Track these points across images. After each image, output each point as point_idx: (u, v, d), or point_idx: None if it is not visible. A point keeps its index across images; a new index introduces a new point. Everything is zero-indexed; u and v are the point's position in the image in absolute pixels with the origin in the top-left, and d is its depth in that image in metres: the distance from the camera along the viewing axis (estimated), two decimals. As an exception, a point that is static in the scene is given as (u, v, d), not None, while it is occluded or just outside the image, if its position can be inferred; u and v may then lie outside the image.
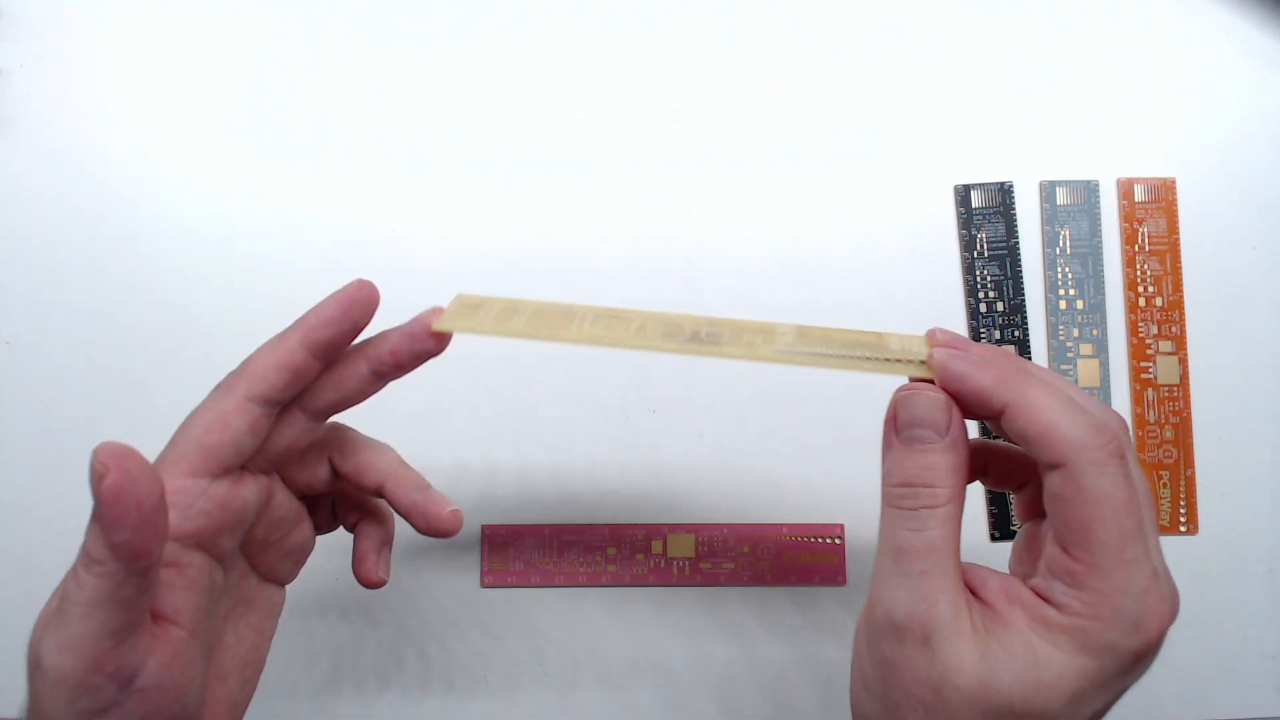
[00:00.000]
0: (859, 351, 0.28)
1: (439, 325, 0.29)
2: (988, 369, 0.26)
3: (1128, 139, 0.44)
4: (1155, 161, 0.44)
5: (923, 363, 0.28)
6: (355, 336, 0.29)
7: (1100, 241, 0.43)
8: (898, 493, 0.27)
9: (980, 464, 0.30)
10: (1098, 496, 0.24)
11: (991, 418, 0.27)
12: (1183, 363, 0.43)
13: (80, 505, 0.41)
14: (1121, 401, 0.43)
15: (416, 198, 0.43)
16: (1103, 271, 0.43)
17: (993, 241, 0.43)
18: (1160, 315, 0.43)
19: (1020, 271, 0.43)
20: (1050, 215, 0.43)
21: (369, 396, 0.30)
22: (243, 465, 0.29)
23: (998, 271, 0.43)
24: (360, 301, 0.29)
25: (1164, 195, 0.43)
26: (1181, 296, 0.43)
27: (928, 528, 0.26)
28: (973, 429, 0.28)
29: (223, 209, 0.43)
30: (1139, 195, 0.43)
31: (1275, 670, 0.41)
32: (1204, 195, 0.44)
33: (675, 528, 0.42)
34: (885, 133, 0.44)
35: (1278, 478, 0.42)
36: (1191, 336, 0.43)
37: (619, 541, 0.42)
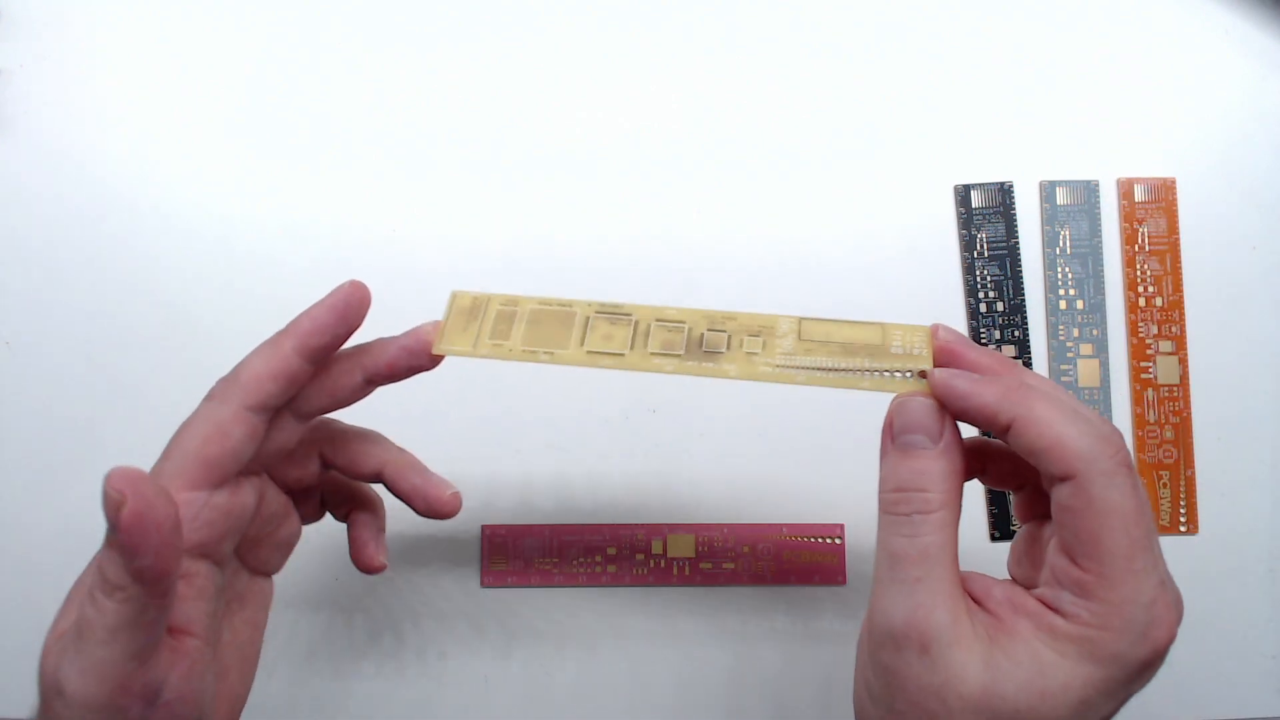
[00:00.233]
0: (859, 360, 0.28)
1: (439, 348, 0.29)
2: (990, 386, 0.26)
3: (1128, 139, 0.44)
4: (1155, 161, 0.44)
5: (921, 374, 0.28)
6: (348, 339, 0.29)
7: (1100, 241, 0.43)
8: (892, 499, 0.27)
9: (979, 464, 0.30)
10: (1108, 508, 0.25)
11: (997, 433, 0.27)
12: (1183, 363, 0.43)
13: (80, 505, 0.41)
14: (1121, 401, 0.43)
15: (416, 198, 0.43)
16: (1103, 271, 0.43)
17: (993, 241, 0.43)
18: (1160, 315, 0.43)
19: (1020, 271, 0.43)
20: (1050, 215, 0.43)
21: (359, 400, 0.30)
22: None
23: (998, 271, 0.43)
24: (354, 304, 0.29)
25: (1164, 195, 0.43)
26: (1181, 296, 0.43)
27: (921, 533, 0.26)
28: (971, 429, 0.28)
29: (222, 209, 0.43)
30: (1139, 195, 0.43)
31: (1275, 670, 0.41)
32: (1204, 195, 0.44)
33: (675, 528, 0.42)
34: (885, 133, 0.44)
35: (1278, 478, 0.42)
36: (1191, 336, 0.43)
37: (619, 541, 0.42)
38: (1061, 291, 0.43)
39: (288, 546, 0.32)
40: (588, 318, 0.30)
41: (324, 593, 0.41)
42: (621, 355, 0.29)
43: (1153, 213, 0.43)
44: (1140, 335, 0.43)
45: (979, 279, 0.43)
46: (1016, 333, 0.43)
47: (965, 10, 0.45)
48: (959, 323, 0.43)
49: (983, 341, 0.43)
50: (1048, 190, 0.44)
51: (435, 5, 0.45)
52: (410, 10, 0.45)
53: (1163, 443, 0.42)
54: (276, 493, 0.31)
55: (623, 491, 0.42)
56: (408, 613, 0.41)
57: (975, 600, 0.27)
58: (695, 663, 0.41)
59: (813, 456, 0.42)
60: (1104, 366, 0.43)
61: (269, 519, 0.31)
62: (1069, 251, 0.43)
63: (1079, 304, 0.43)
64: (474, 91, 0.44)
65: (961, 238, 0.43)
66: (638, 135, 0.44)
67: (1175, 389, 0.43)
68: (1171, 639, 0.25)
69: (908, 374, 0.28)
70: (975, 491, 0.43)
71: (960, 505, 0.27)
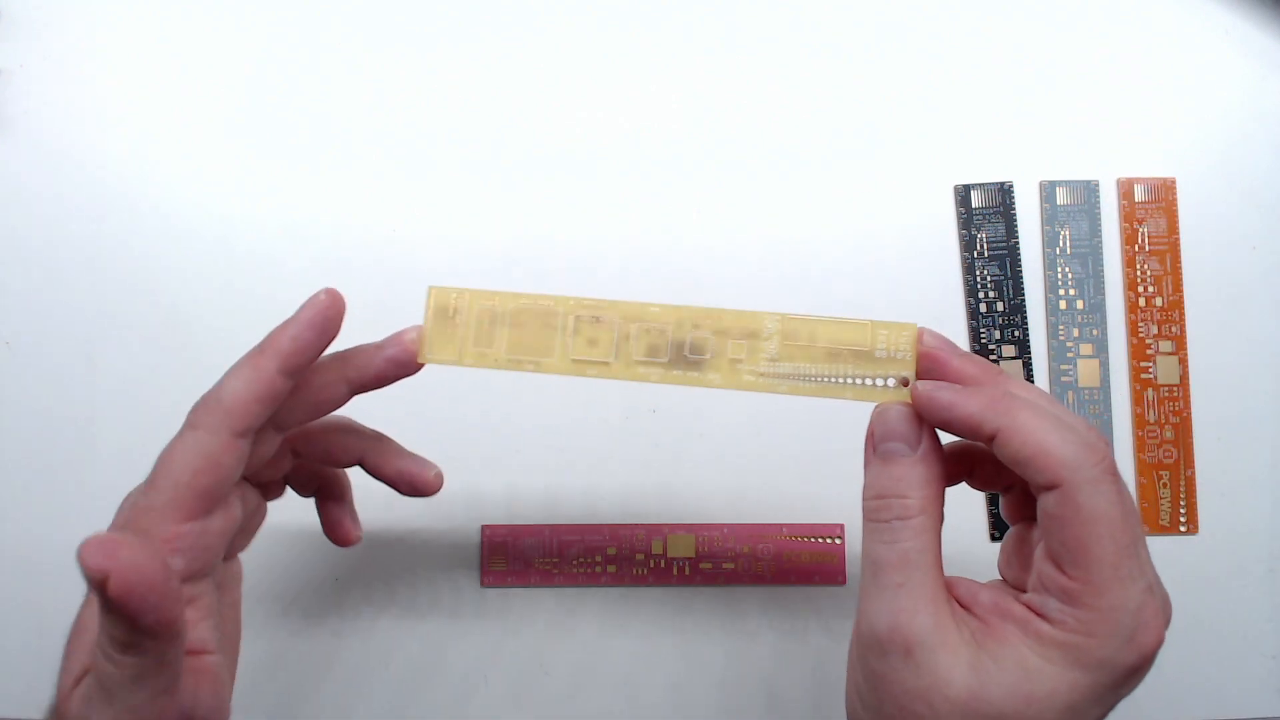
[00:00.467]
0: (843, 366, 0.29)
1: (424, 358, 0.29)
2: (974, 397, 0.26)
3: (1128, 139, 0.44)
4: (1155, 161, 0.44)
5: (904, 382, 0.28)
6: (326, 349, 0.29)
7: (1100, 241, 0.43)
8: (872, 506, 0.27)
9: (965, 467, 0.30)
10: (1095, 516, 0.25)
11: (983, 443, 0.27)
12: (1183, 363, 0.43)
13: (80, 505, 0.41)
14: (1121, 401, 0.43)
15: (416, 198, 0.43)
16: (1103, 271, 0.43)
17: (993, 241, 0.43)
18: (1160, 315, 0.43)
19: (1020, 271, 0.43)
20: (1050, 215, 0.43)
21: (340, 408, 0.30)
22: None
23: (998, 271, 0.43)
24: (333, 317, 0.28)
25: (1164, 195, 0.43)
26: (1181, 296, 0.43)
27: (900, 539, 0.26)
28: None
29: (222, 209, 0.43)
30: (1139, 195, 0.43)
31: (1275, 670, 0.41)
32: (1204, 195, 0.44)
33: (675, 528, 0.42)
34: (885, 133, 0.44)
35: (1278, 478, 0.42)
36: (1191, 336, 0.43)
37: (619, 541, 0.42)
38: (1061, 291, 0.43)
39: (256, 529, 0.33)
40: (571, 319, 0.30)
41: (323, 592, 0.41)
42: (607, 364, 0.29)
43: (1153, 213, 0.43)
44: (1140, 335, 0.43)
45: (979, 279, 0.43)
46: (1016, 333, 0.43)
47: (965, 10, 0.45)
48: (959, 323, 0.43)
49: (983, 341, 0.43)
50: (1048, 190, 0.44)
51: (435, 5, 0.45)
52: (410, 10, 0.45)
53: (1163, 443, 0.42)
54: (252, 491, 0.31)
55: (623, 492, 0.42)
56: (407, 612, 0.41)
57: (962, 605, 0.27)
58: (695, 662, 0.41)
59: (813, 457, 0.42)
60: (1104, 366, 0.43)
61: (247, 516, 0.31)
62: (1069, 251, 0.43)
63: (1079, 304, 0.43)
64: (474, 91, 0.44)
65: (961, 238, 0.43)
66: (637, 135, 0.44)
67: (1175, 389, 0.43)
68: (1159, 644, 0.25)
69: (890, 382, 0.28)
70: (975, 492, 0.42)
71: (941, 511, 0.27)
